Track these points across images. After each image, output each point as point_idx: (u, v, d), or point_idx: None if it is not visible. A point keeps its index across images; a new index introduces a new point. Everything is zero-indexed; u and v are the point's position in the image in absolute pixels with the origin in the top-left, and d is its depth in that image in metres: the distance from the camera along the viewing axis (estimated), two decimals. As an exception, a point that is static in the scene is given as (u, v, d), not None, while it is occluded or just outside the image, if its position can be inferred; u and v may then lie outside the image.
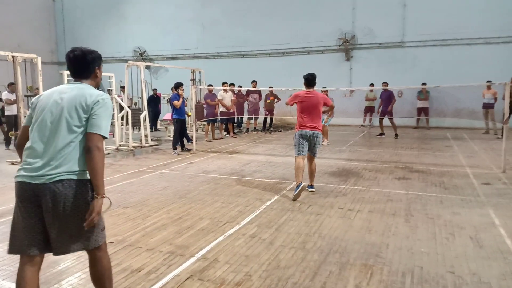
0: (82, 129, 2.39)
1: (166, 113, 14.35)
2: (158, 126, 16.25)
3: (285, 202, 5.50)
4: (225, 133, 13.70)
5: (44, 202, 2.32)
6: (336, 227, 4.49)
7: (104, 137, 2.41)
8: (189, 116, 10.88)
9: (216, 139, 12.65)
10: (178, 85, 9.84)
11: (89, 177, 2.39)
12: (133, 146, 10.74)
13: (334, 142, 11.58)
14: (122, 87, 14.08)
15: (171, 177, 7.20)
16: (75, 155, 2.37)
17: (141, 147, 10.94)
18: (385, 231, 4.35)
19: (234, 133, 13.79)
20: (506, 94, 7.46)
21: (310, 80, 6.01)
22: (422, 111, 14.91)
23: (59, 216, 2.33)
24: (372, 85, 14.84)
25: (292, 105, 6.14)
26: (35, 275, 2.45)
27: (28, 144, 2.42)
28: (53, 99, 2.45)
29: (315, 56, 17.56)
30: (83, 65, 2.56)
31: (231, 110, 12.91)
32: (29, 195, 2.34)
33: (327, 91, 12.18)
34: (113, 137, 10.89)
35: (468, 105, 12.39)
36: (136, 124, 11.99)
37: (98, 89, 2.62)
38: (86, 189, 2.40)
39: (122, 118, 11.06)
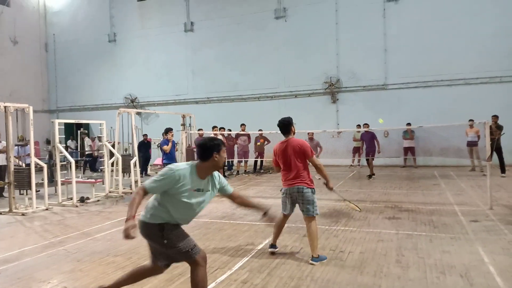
0: None
1: (156, 158, 14.40)
2: (149, 171, 16.22)
3: (277, 245, 5.47)
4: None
5: None
6: (328, 270, 4.48)
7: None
8: None
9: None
10: (168, 130, 10.02)
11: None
12: (123, 192, 10.68)
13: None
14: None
15: (162, 223, 7.13)
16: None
17: (131, 193, 10.87)
18: (377, 272, 4.36)
19: (225, 176, 13.82)
20: (487, 132, 7.74)
21: (281, 128, 5.15)
22: (409, 151, 15.22)
23: None
24: (359, 126, 15.24)
25: (277, 166, 5.24)
26: None
27: None
28: None
29: (303, 99, 18.06)
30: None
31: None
32: None
33: (313, 133, 12.48)
34: (103, 183, 10.84)
35: (454, 144, 12.71)
36: (126, 170, 11.99)
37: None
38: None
39: (112, 164, 11.07)
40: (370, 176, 12.46)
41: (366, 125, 13.14)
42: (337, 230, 6.23)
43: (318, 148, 12.64)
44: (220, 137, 13.25)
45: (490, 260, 4.57)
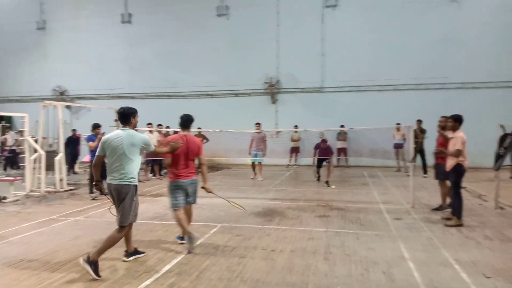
0: None
1: (86, 155, 13.57)
2: (77, 169, 15.24)
3: (209, 246, 5.37)
4: (150, 175, 13.24)
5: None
6: (258, 269, 4.46)
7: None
8: None
9: (140, 181, 12.12)
10: (96, 126, 9.47)
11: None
12: (46, 191, 9.89)
13: (261, 183, 11.77)
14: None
15: (86, 225, 6.70)
16: None
17: (55, 192, 10.11)
18: (305, 271, 4.42)
19: (160, 174, 13.40)
20: (411, 136, 8.27)
21: (185, 121, 5.44)
22: (342, 151, 15.89)
23: None
24: (296, 126, 15.60)
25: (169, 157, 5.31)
26: None
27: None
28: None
29: (243, 99, 18.09)
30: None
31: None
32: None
33: (260, 124, 12.34)
34: (23, 182, 9.97)
35: (381, 146, 13.46)
36: (50, 167, 11.12)
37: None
38: None
39: (34, 161, 10.21)
40: (327, 182, 11.11)
41: (324, 141, 11.33)
42: (270, 229, 6.26)
43: (262, 143, 12.33)
44: (156, 134, 12.84)
45: (410, 256, 4.85)
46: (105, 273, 4.35)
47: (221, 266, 4.56)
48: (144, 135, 4.93)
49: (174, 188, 5.27)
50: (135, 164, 4.58)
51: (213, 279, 4.19)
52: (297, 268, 4.49)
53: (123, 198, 4.51)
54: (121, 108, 4.71)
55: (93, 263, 4.18)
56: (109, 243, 4.44)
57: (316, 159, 11.61)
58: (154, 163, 13.05)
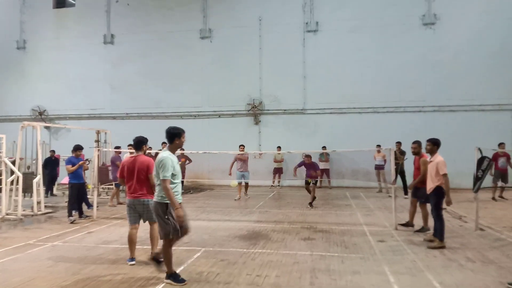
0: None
1: (65, 177, 13.22)
2: (55, 191, 14.82)
3: (192, 272, 5.25)
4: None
5: None
6: (243, 296, 4.38)
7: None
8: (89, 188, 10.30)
9: (121, 203, 11.89)
10: (77, 148, 9.31)
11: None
12: (22, 215, 9.54)
13: (245, 204, 11.70)
14: None
15: (65, 250, 6.47)
16: None
17: (33, 215, 9.77)
18: (291, 297, 4.36)
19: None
20: (392, 158, 8.42)
21: (136, 143, 5.88)
22: (324, 172, 15.99)
23: None
24: (279, 147, 15.70)
25: (121, 178, 5.86)
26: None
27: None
28: None
29: (226, 119, 18.15)
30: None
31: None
32: None
33: (244, 146, 12.36)
34: (-1, 205, 9.62)
35: (363, 167, 13.66)
36: (28, 190, 10.79)
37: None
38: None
39: (12, 183, 9.89)
40: (311, 203, 11.06)
41: (308, 157, 11.28)
42: (255, 253, 6.18)
43: (246, 164, 12.55)
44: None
45: (395, 280, 4.86)
46: (84, 302, 4.19)
47: (206, 293, 4.46)
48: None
49: (126, 205, 5.76)
50: None
51: (198, 307, 4.09)
52: (283, 294, 4.43)
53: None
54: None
55: (172, 275, 4.76)
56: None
57: (296, 171, 11.54)
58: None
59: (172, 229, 4.59)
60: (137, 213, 5.68)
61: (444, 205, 6.63)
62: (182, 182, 15.18)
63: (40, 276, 5.11)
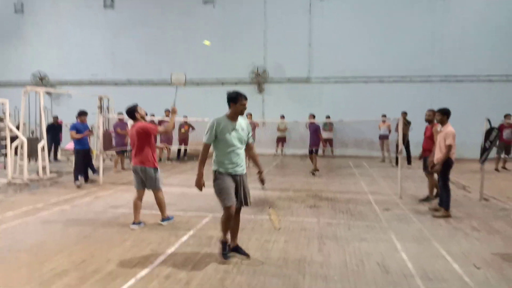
0: None
1: (69, 142, 13.22)
2: (59, 157, 14.86)
3: (202, 237, 5.32)
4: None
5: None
6: (254, 260, 4.44)
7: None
8: (94, 154, 10.28)
9: (125, 169, 11.94)
10: (82, 113, 9.23)
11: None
12: (28, 179, 9.60)
13: (249, 172, 11.71)
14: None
15: (74, 214, 6.53)
16: None
17: (38, 180, 9.83)
18: (300, 261, 4.43)
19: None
20: (400, 128, 8.35)
21: (128, 114, 5.86)
22: (327, 142, 15.98)
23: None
24: (283, 116, 15.59)
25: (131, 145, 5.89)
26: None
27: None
28: None
29: (229, 87, 17.69)
30: None
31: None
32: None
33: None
34: (5, 168, 9.64)
35: (367, 136, 13.61)
36: (32, 154, 10.80)
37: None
38: None
39: (16, 148, 9.88)
40: (313, 173, 11.35)
41: (311, 115, 11.96)
42: (262, 219, 6.24)
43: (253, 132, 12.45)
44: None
45: (402, 248, 4.92)
46: (95, 265, 4.26)
47: (216, 257, 4.52)
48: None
49: (132, 171, 5.82)
50: None
51: (209, 270, 4.15)
52: (293, 259, 4.49)
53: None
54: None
55: (236, 249, 4.55)
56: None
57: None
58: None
59: (219, 197, 4.31)
60: (140, 179, 5.73)
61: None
62: (185, 149, 15.25)
63: (51, 239, 5.18)
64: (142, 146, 5.64)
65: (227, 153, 4.30)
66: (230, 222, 4.38)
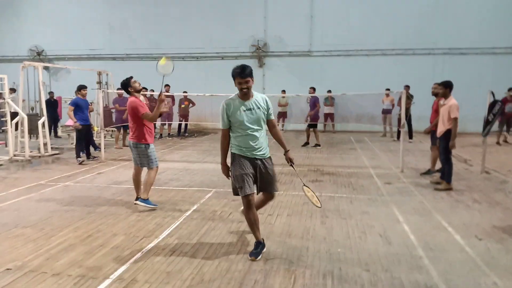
0: None
1: (68, 119, 13.16)
2: (60, 133, 14.84)
3: (206, 211, 5.37)
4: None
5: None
6: (257, 234, 4.48)
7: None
8: (95, 130, 10.24)
9: (127, 146, 11.92)
10: (80, 87, 9.12)
11: None
12: (30, 156, 9.61)
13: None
14: (12, 89, 12.51)
15: (77, 190, 6.57)
16: None
17: (40, 156, 9.84)
18: (304, 234, 4.48)
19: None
20: (403, 102, 8.28)
21: (123, 89, 5.72)
22: (329, 117, 15.92)
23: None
24: (284, 91, 15.45)
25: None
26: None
27: None
28: None
29: (229, 62, 17.57)
30: None
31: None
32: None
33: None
34: (6, 146, 9.64)
35: (369, 111, 13.54)
36: (33, 131, 10.78)
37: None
38: None
39: (16, 124, 9.84)
40: (316, 145, 11.66)
41: (312, 88, 12.23)
42: (265, 194, 6.27)
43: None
44: (141, 97, 12.43)
45: (404, 220, 4.97)
46: (101, 240, 4.31)
47: (221, 231, 4.57)
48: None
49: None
50: None
51: (214, 243, 4.21)
52: (296, 232, 4.55)
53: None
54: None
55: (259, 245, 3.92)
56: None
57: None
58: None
59: (233, 185, 3.91)
60: (134, 155, 5.51)
61: None
62: (186, 125, 15.20)
63: (56, 214, 5.22)
64: (133, 121, 5.39)
65: (243, 136, 3.83)
66: (250, 213, 3.86)
